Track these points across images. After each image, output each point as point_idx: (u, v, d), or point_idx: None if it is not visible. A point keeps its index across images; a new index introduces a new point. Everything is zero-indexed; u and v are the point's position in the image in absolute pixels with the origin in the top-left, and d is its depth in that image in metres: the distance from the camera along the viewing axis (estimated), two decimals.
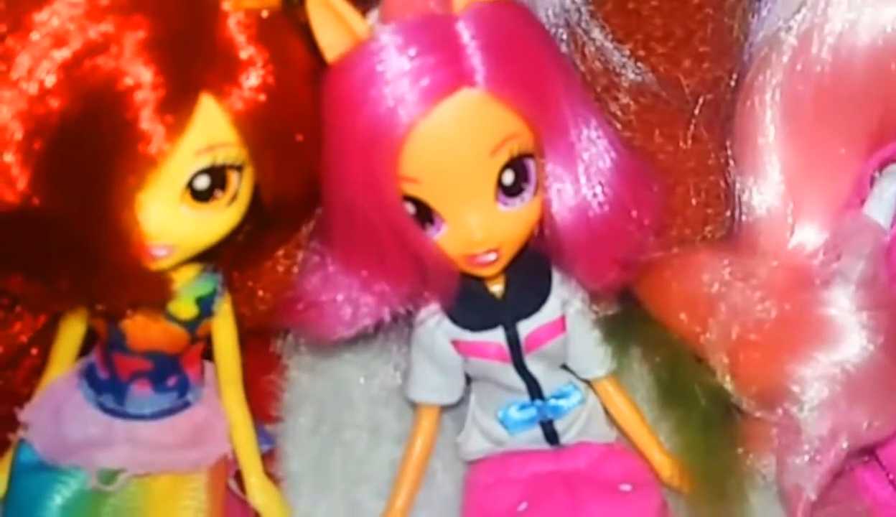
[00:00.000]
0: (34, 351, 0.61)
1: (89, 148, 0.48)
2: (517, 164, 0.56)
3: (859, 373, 0.59)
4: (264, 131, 0.54)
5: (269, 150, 0.54)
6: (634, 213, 0.59)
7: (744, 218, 0.64)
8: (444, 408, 0.66)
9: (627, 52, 0.67)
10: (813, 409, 0.59)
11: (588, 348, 0.64)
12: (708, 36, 0.68)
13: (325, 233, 0.60)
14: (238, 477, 0.64)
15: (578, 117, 0.57)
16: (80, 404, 0.60)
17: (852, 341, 0.59)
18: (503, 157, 0.56)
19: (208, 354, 0.64)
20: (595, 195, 0.57)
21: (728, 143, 0.66)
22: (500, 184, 0.56)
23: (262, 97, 0.52)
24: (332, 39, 0.55)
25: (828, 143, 0.63)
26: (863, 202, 0.62)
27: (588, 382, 0.65)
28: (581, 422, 0.65)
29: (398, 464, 0.65)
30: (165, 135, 0.49)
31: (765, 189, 0.64)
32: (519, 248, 0.59)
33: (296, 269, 0.66)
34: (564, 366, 0.65)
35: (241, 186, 0.55)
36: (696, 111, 0.67)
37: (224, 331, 0.62)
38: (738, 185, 0.65)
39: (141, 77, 0.47)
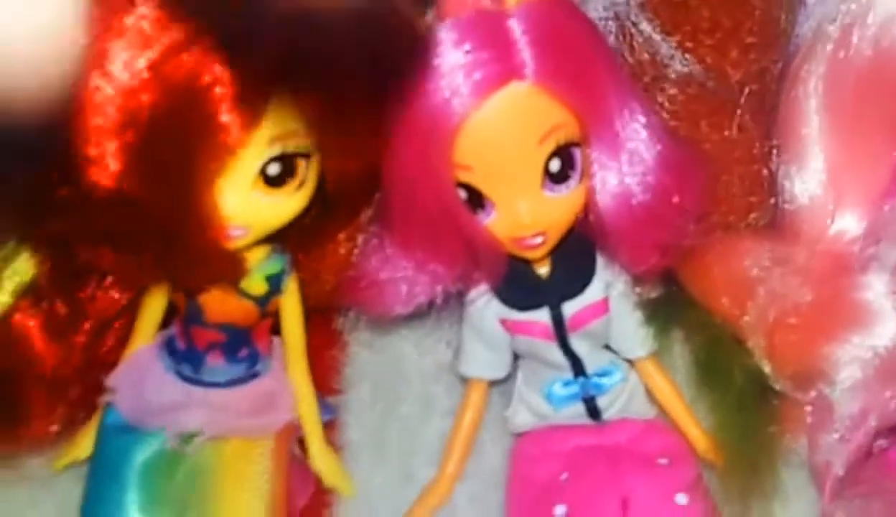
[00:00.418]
0: (118, 323, 0.65)
1: (175, 138, 0.52)
2: (564, 152, 0.59)
3: (891, 355, 0.60)
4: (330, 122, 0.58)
5: (334, 139, 0.58)
6: (676, 201, 0.61)
7: (786, 206, 0.66)
8: (493, 383, 0.69)
9: (675, 44, 0.68)
10: (845, 390, 0.61)
11: (630, 329, 0.66)
12: (755, 27, 0.68)
13: (384, 217, 0.63)
14: (301, 443, 0.67)
15: (624, 109, 0.60)
16: (160, 373, 0.65)
17: (886, 325, 0.61)
18: (550, 146, 0.58)
19: (276, 331, 0.68)
20: (638, 183, 0.60)
21: (773, 133, 0.67)
22: (546, 171, 0.59)
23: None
24: None
25: (868, 134, 0.64)
26: None
27: (630, 361, 0.68)
28: (623, 400, 0.67)
29: (448, 436, 0.69)
30: (242, 126, 0.53)
31: (807, 178, 0.65)
32: (564, 231, 0.62)
33: (356, 252, 0.69)
34: (607, 346, 0.67)
35: (308, 173, 0.59)
36: (742, 101, 0.68)
37: (291, 307, 0.66)
38: (781, 174, 0.66)
39: (218, 75, 0.52)
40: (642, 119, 0.61)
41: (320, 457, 0.67)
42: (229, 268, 0.60)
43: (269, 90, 0.55)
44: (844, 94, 0.64)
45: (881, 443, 0.64)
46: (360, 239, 0.69)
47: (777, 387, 0.65)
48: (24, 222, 0.56)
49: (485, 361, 0.68)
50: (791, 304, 0.63)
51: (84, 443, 0.66)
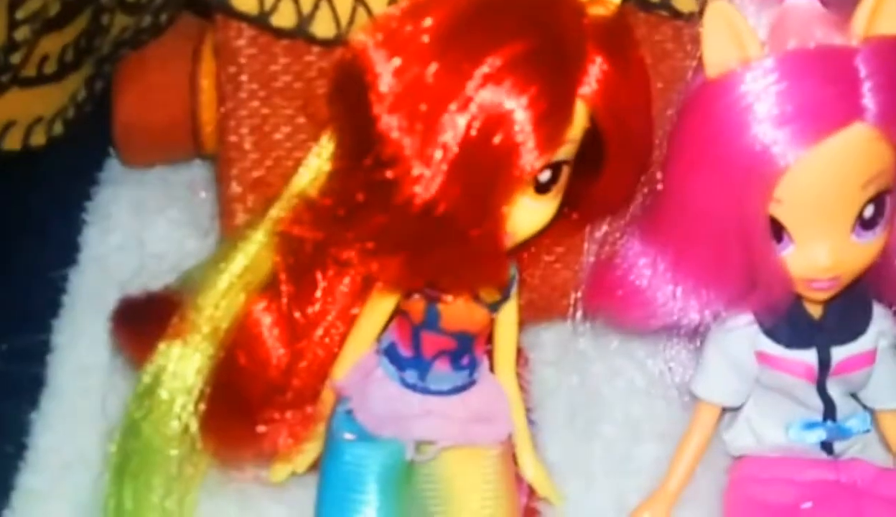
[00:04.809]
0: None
1: (484, 159, 0.58)
2: (879, 198, 0.61)
3: None
4: (617, 129, 0.63)
5: (618, 146, 0.64)
6: None
7: None
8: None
9: None
10: None
11: (888, 381, 0.69)
12: None
13: (657, 232, 0.67)
14: None
15: None
16: (383, 380, 0.68)
17: None
18: (871, 191, 0.61)
19: None
20: None
21: None
22: (860, 216, 0.61)
23: (616, 98, 0.62)
24: (719, 55, 0.60)
25: None
26: None
27: (871, 409, 0.71)
28: (860, 444, 0.70)
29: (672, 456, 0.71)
30: (544, 145, 0.59)
31: None
32: (856, 277, 0.64)
33: (557, 266, 0.76)
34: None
35: (563, 180, 0.64)
36: None
37: (511, 313, 0.70)
38: None
39: (520, 100, 0.57)
40: None
41: (532, 466, 0.71)
42: (500, 271, 0.64)
43: (572, 105, 0.60)
44: None
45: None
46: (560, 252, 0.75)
47: None
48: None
49: (727, 388, 0.70)
50: None
51: (308, 454, 0.70)
